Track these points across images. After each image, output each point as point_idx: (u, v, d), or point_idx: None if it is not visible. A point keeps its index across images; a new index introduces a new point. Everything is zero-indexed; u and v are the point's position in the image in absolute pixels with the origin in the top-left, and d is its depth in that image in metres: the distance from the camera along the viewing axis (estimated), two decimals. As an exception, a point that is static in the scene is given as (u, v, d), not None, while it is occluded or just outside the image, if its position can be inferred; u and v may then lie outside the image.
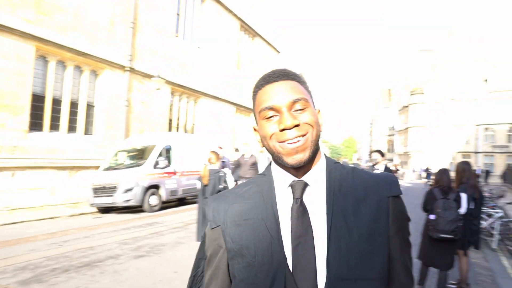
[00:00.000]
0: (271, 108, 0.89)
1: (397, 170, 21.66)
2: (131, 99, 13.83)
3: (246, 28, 22.67)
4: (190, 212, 10.34)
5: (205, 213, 5.65)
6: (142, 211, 10.80)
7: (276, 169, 0.96)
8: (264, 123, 0.90)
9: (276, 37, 27.03)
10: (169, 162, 11.87)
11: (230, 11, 20.35)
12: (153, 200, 11.09)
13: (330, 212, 0.87)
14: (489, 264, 6.15)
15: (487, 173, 34.79)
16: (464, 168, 4.85)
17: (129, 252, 6.24)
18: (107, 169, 11.30)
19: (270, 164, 1.01)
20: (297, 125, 0.86)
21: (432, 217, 4.15)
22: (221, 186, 5.90)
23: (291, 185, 0.92)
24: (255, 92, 0.96)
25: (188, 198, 13.17)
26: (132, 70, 13.69)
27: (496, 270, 5.86)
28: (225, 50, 20.09)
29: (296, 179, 0.92)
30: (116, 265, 5.49)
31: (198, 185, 6.26)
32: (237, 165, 9.75)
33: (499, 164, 37.62)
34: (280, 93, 0.89)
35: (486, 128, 39.66)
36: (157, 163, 11.31)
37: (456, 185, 4.67)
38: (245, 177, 9.51)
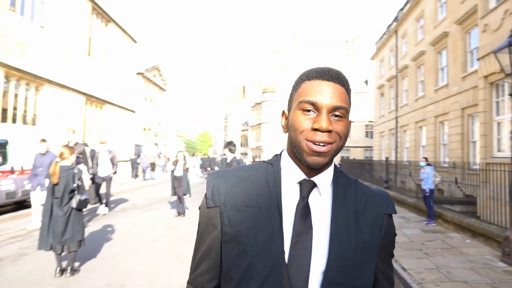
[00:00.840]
0: (313, 104, 0.88)
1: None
2: None
3: (99, 11, 20.68)
4: (33, 217, 8.92)
5: (56, 214, 4.94)
6: (-33, 219, 8.88)
7: (287, 162, 0.97)
8: (299, 114, 0.90)
9: (133, 25, 25.49)
10: (5, 159, 10.06)
11: (80, -10, 18.29)
12: (-17, 206, 9.24)
13: (334, 219, 0.91)
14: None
15: (326, 165, 40.44)
16: None
17: (-48, 273, 5.03)
18: None
19: (280, 154, 1.02)
20: (329, 131, 0.86)
21: None
22: (75, 185, 5.20)
23: (300, 183, 0.93)
24: (302, 80, 0.94)
25: (30, 200, 11.39)
26: (-51, 46, 11.07)
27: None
28: (74, 34, 17.93)
29: (306, 178, 0.93)
30: None
31: (46, 184, 5.42)
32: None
33: (336, 158, 43.69)
34: (327, 93, 0.88)
35: (327, 125, 45.54)
36: (-13, 160, 9.45)
37: None
38: None
